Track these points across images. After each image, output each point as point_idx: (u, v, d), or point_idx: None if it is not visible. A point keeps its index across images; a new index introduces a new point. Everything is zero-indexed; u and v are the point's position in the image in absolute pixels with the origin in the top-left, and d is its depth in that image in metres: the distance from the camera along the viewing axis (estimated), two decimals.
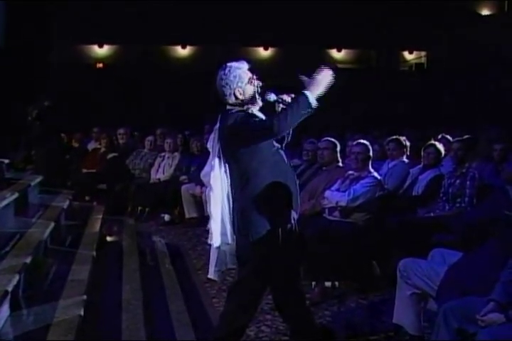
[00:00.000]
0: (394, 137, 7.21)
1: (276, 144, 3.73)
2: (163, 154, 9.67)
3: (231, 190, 3.83)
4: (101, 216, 7.85)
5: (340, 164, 6.50)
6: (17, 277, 4.06)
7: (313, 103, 3.45)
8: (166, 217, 8.86)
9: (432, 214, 5.76)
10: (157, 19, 17.68)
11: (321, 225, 5.61)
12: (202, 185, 8.19)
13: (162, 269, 6.30)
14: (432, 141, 6.80)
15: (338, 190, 5.83)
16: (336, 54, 21.09)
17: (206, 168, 3.94)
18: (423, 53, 21.75)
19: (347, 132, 12.18)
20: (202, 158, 8.63)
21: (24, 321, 3.89)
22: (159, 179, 9.37)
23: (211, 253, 4.05)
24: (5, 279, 3.95)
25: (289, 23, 18.25)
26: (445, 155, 6.55)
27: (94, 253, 5.68)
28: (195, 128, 11.82)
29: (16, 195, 5.96)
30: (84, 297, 4.35)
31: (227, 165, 3.83)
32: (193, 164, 9.08)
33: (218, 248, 3.98)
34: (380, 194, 5.72)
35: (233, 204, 3.84)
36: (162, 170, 9.47)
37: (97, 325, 4.33)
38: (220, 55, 17.98)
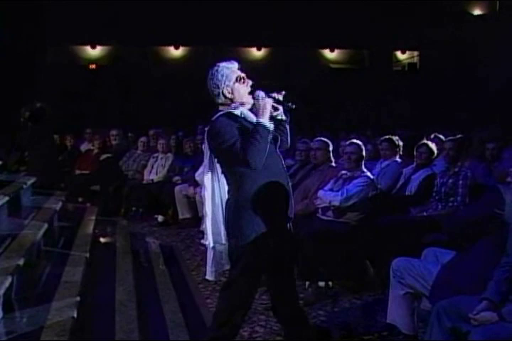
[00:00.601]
0: (387, 137, 7.22)
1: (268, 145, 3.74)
2: (156, 155, 9.66)
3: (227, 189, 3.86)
4: (94, 217, 7.85)
5: (334, 164, 6.51)
6: (10, 279, 4.04)
7: (271, 127, 3.59)
8: (160, 218, 8.86)
9: (424, 214, 5.76)
10: (150, 20, 17.65)
11: (314, 225, 5.62)
12: (195, 185, 8.22)
13: (156, 270, 6.30)
14: (425, 141, 6.81)
15: (331, 189, 5.84)
16: (328, 54, 21.10)
17: (201, 168, 3.97)
18: (416, 53, 21.79)
19: (340, 132, 12.18)
20: (195, 159, 8.66)
21: (17, 323, 3.87)
22: (152, 180, 9.36)
23: (207, 254, 4.04)
24: None
25: (282, 24, 18.26)
26: (438, 154, 6.56)
27: (88, 254, 5.66)
28: (188, 129, 11.83)
29: (9, 196, 5.93)
30: (78, 298, 4.33)
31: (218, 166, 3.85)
32: (186, 165, 9.09)
33: (213, 248, 3.99)
34: (373, 193, 5.74)
35: (226, 204, 3.86)
36: (155, 171, 9.46)
37: (90, 327, 4.32)
38: (213, 56, 18.02)
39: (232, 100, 3.76)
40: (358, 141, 6.05)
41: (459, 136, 6.63)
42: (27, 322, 3.89)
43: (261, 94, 3.72)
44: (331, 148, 6.55)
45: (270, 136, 3.64)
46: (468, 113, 15.55)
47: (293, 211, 3.93)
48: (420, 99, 17.51)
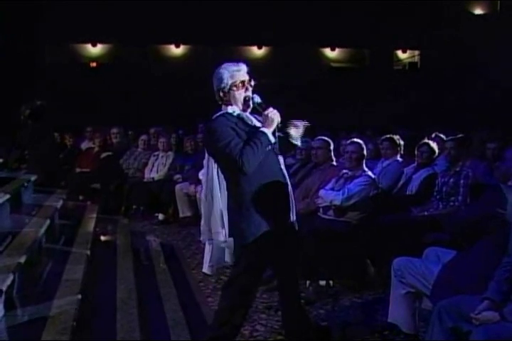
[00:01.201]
0: (388, 136, 7.22)
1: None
2: (156, 153, 9.67)
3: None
4: (95, 215, 7.84)
5: (334, 163, 6.51)
6: (11, 277, 4.05)
7: (272, 140, 3.68)
8: (160, 216, 8.86)
9: (425, 213, 5.77)
10: (151, 18, 17.63)
11: (315, 224, 5.62)
12: (196, 184, 8.22)
13: (156, 268, 6.30)
14: (426, 140, 6.81)
15: (332, 189, 5.84)
16: (329, 53, 21.09)
17: (203, 169, 4.02)
18: (416, 52, 21.77)
19: (340, 131, 12.18)
20: (196, 157, 8.66)
21: (18, 321, 3.87)
22: (153, 178, 9.36)
23: (205, 250, 4.07)
24: (0, 278, 3.94)
25: (283, 22, 18.24)
26: (439, 154, 6.56)
27: (89, 252, 5.67)
28: (189, 128, 11.83)
29: (10, 194, 5.93)
30: (79, 296, 4.34)
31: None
32: (187, 163, 9.09)
33: (211, 245, 4.01)
34: (374, 193, 5.74)
35: (227, 204, 3.89)
36: (156, 170, 9.46)
37: (91, 324, 4.32)
38: (214, 54, 18.04)
39: (227, 101, 3.81)
40: (359, 140, 6.05)
41: (460, 135, 6.63)
42: (28, 320, 3.89)
43: (256, 98, 3.79)
44: (331, 147, 6.55)
45: (269, 148, 3.70)
46: (468, 112, 15.55)
47: (294, 210, 3.95)
48: (421, 98, 17.50)
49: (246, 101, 3.82)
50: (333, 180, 5.97)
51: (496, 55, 16.83)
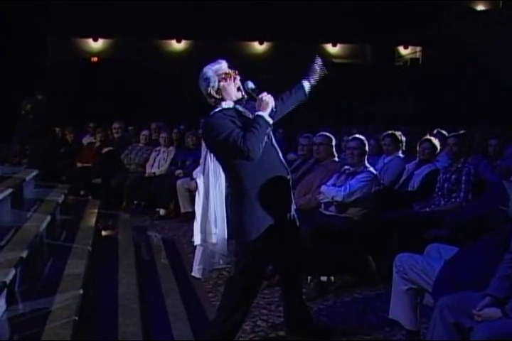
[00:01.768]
0: (389, 132, 7.22)
1: (265, 139, 3.77)
2: (158, 148, 9.67)
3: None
4: (96, 210, 7.83)
5: (336, 159, 6.51)
6: (13, 271, 4.05)
7: (270, 121, 3.72)
8: (161, 212, 8.86)
9: (427, 209, 5.77)
10: (152, 13, 17.61)
11: (316, 220, 5.61)
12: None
13: (157, 263, 6.31)
14: (428, 136, 6.81)
15: (334, 184, 5.83)
16: (331, 49, 21.08)
17: (199, 167, 4.05)
18: (418, 48, 21.76)
19: (342, 127, 12.17)
20: (197, 153, 8.63)
21: (20, 315, 3.88)
22: (154, 173, 9.36)
23: (196, 252, 4.09)
24: (1, 273, 3.94)
25: (284, 18, 18.22)
26: (440, 150, 6.56)
27: (90, 247, 5.67)
28: (190, 123, 11.82)
29: (12, 189, 5.93)
30: (81, 291, 4.34)
31: (215, 163, 3.88)
32: (188, 158, 9.09)
33: (202, 246, 4.03)
34: (376, 189, 5.73)
35: (226, 201, 3.90)
36: (157, 165, 9.46)
37: (93, 319, 4.32)
38: (215, 49, 18.01)
39: (221, 99, 3.82)
40: (360, 136, 6.04)
41: (461, 131, 6.63)
42: (30, 315, 3.89)
43: (250, 84, 3.82)
44: (333, 143, 6.54)
45: (269, 130, 3.73)
46: (470, 108, 15.53)
47: (292, 205, 3.97)
48: (422, 94, 17.48)
49: (239, 89, 3.85)
50: (335, 176, 5.96)
51: (497, 52, 16.81)
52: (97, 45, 19.65)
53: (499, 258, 3.44)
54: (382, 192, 5.90)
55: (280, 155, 3.94)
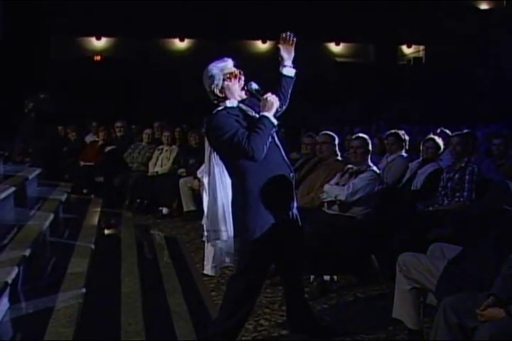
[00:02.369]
0: (393, 131, 7.22)
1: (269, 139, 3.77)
2: (161, 147, 9.66)
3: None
4: (99, 209, 7.84)
5: (339, 158, 6.50)
6: (16, 269, 4.05)
7: (275, 122, 3.72)
8: (164, 211, 8.85)
9: (430, 209, 5.75)
10: (155, 12, 17.60)
11: (319, 219, 5.61)
12: (200, 178, 8.21)
13: (160, 262, 6.31)
14: (431, 135, 6.80)
15: (337, 184, 5.82)
16: (334, 48, 21.05)
17: (203, 165, 4.04)
18: (421, 47, 21.72)
19: (345, 126, 12.16)
20: (200, 151, 8.63)
21: (23, 313, 3.88)
22: (157, 172, 9.36)
23: (206, 250, 4.08)
24: (4, 272, 3.94)
25: (287, 17, 18.19)
26: (444, 149, 6.55)
27: (93, 246, 5.67)
28: (193, 121, 11.82)
29: (15, 187, 5.94)
30: (83, 290, 4.34)
31: (219, 162, 3.89)
32: (191, 157, 9.07)
33: (213, 244, 4.02)
34: (379, 188, 5.71)
35: (231, 200, 3.89)
36: (160, 163, 9.46)
37: (96, 318, 4.32)
38: (218, 48, 18.01)
39: (224, 98, 3.80)
40: (364, 135, 6.02)
41: (465, 131, 6.62)
42: (33, 313, 3.90)
43: (254, 85, 3.82)
44: (336, 142, 6.54)
45: (273, 131, 3.73)
46: (473, 108, 15.52)
47: (294, 203, 3.98)
48: (425, 93, 17.47)
49: (243, 88, 3.84)
50: (338, 175, 5.95)
51: (501, 50, 16.79)
52: (100, 43, 19.63)
53: (503, 258, 3.43)
54: (385, 191, 5.88)
55: (283, 153, 3.94)
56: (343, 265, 5.47)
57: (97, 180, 9.82)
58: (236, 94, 3.85)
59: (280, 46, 3.96)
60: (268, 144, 3.68)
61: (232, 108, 3.80)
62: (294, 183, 3.97)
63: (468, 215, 5.03)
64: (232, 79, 3.82)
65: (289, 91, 4.03)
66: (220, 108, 3.82)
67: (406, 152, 7.07)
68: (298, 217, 4.03)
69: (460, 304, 3.32)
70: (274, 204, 3.78)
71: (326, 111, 15.47)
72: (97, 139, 10.88)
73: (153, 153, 9.68)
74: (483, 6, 20.84)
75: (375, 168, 5.82)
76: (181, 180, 8.69)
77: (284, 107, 4.01)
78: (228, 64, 3.87)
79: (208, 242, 4.04)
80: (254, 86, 3.86)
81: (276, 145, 3.88)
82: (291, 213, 3.94)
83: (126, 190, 9.37)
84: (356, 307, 4.91)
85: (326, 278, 5.36)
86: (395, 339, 4.21)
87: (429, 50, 21.10)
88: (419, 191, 6.18)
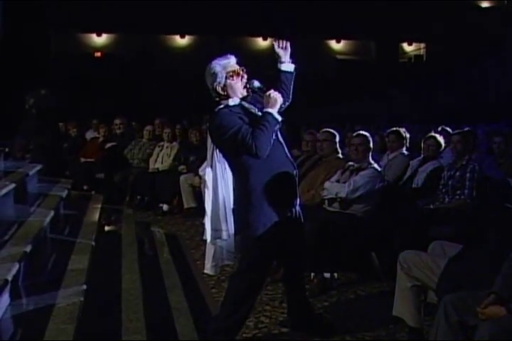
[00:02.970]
0: (394, 129, 7.23)
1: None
2: (161, 144, 9.67)
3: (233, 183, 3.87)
4: (99, 205, 7.83)
5: (340, 155, 6.50)
6: (17, 266, 4.05)
7: (279, 118, 3.70)
8: (165, 207, 8.86)
9: (431, 206, 5.75)
10: (156, 8, 17.59)
11: (320, 216, 5.61)
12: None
13: (161, 259, 6.31)
14: (433, 133, 6.80)
15: (338, 181, 5.82)
16: (335, 45, 21.05)
17: (204, 163, 4.03)
18: (422, 45, 21.72)
19: (346, 123, 12.16)
20: (200, 148, 8.65)
21: (24, 310, 3.88)
22: (158, 169, 9.36)
23: (207, 249, 4.08)
24: (5, 268, 3.94)
25: (288, 14, 18.19)
26: (445, 147, 6.55)
27: (94, 242, 5.66)
28: (194, 118, 11.82)
29: (15, 184, 5.92)
30: (84, 286, 4.34)
31: (222, 160, 3.87)
32: (192, 154, 9.08)
33: (214, 243, 4.02)
34: (380, 185, 5.71)
35: (234, 197, 3.89)
36: (161, 160, 9.46)
37: (96, 314, 4.32)
38: (219, 45, 18.00)
39: (226, 96, 3.79)
40: (365, 133, 6.03)
41: (467, 129, 6.62)
42: (34, 310, 3.89)
43: (256, 83, 3.82)
44: (337, 139, 6.54)
45: (277, 127, 3.71)
46: (473, 106, 15.51)
47: (297, 201, 3.98)
48: (426, 91, 17.47)
49: (245, 87, 3.82)
50: (339, 172, 5.95)
51: (502, 48, 16.77)
52: (100, 40, 19.64)
53: (503, 256, 3.43)
54: (386, 188, 5.88)
55: (286, 150, 3.93)
56: (344, 262, 5.48)
57: (97, 176, 9.83)
58: (238, 92, 3.83)
59: (274, 44, 3.93)
60: (272, 141, 3.67)
61: (234, 106, 3.79)
62: (297, 180, 3.98)
63: (469, 213, 5.04)
64: (235, 78, 3.80)
65: (291, 87, 4.01)
66: (221, 106, 3.81)
67: (407, 150, 7.07)
68: (301, 214, 4.03)
69: (461, 302, 3.32)
70: (278, 202, 3.78)
71: (327, 108, 15.47)
72: (97, 136, 10.88)
73: (154, 149, 9.68)
74: (484, 4, 20.84)
75: (376, 166, 5.82)
76: (182, 177, 8.69)
77: (287, 103, 3.99)
78: (231, 61, 3.84)
79: (208, 241, 4.03)
80: (257, 84, 3.85)
81: (280, 142, 3.87)
82: (294, 210, 3.94)
83: (126, 187, 9.38)
84: (356, 305, 4.92)
85: (327, 275, 5.36)
86: (396, 337, 4.22)
87: (430, 47, 21.10)
88: (420, 189, 6.18)
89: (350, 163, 5.90)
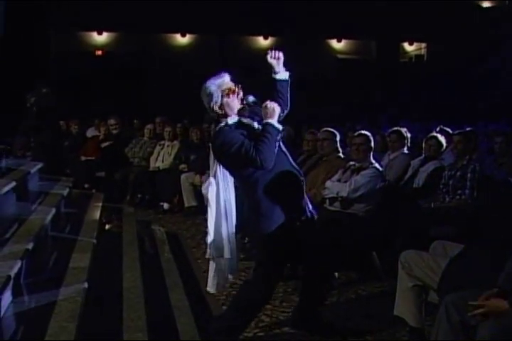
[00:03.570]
0: (395, 128, 7.24)
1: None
2: (162, 142, 9.67)
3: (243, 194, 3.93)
4: (100, 203, 7.84)
5: (341, 154, 6.51)
6: (19, 263, 4.06)
7: (280, 127, 3.72)
8: (165, 206, 8.87)
9: (432, 206, 5.76)
10: (157, 7, 17.58)
11: (321, 216, 5.59)
12: (201, 173, 8.24)
13: (161, 257, 6.32)
14: (434, 133, 6.81)
15: (339, 180, 5.83)
16: (336, 44, 21.03)
17: (207, 182, 4.06)
18: (423, 45, 21.71)
19: (347, 123, 12.17)
20: (201, 147, 8.67)
21: (26, 308, 3.89)
22: (158, 167, 9.37)
23: (209, 267, 4.11)
24: (7, 265, 3.95)
25: (289, 13, 18.18)
26: (446, 147, 6.56)
27: (95, 240, 5.67)
28: (195, 117, 11.82)
29: (17, 182, 5.93)
30: (85, 285, 4.35)
31: (225, 179, 3.92)
32: (193, 153, 9.08)
33: (216, 261, 4.05)
34: (381, 185, 5.72)
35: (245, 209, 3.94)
36: (161, 159, 9.47)
37: (98, 313, 4.33)
38: (220, 44, 18.00)
39: (225, 114, 3.82)
40: (366, 132, 6.03)
41: (468, 128, 6.63)
42: (36, 307, 3.90)
43: (250, 98, 3.85)
44: (337, 139, 6.55)
45: (279, 136, 3.74)
46: (474, 106, 15.52)
47: (308, 204, 4.00)
48: (426, 91, 17.47)
49: (242, 102, 3.84)
50: (340, 172, 5.96)
51: (503, 48, 16.78)
52: (101, 38, 19.62)
53: (505, 256, 3.43)
54: (387, 188, 5.89)
55: (290, 159, 3.96)
56: (345, 262, 5.48)
57: (98, 175, 9.83)
58: (236, 109, 3.85)
59: (267, 55, 3.94)
60: (276, 151, 3.69)
61: (233, 123, 3.82)
62: (304, 188, 3.99)
63: (470, 213, 5.05)
64: (231, 95, 3.81)
65: (288, 95, 4.01)
66: (222, 124, 3.83)
67: (408, 149, 7.08)
68: (314, 217, 4.06)
69: (462, 302, 3.31)
70: (288, 211, 3.82)
71: (327, 107, 15.47)
72: (98, 134, 10.88)
73: (155, 148, 9.69)
74: (485, 4, 20.84)
75: (377, 165, 5.83)
76: (182, 176, 8.70)
77: (285, 112, 4.01)
78: (225, 79, 3.85)
79: (211, 259, 4.07)
80: (251, 99, 3.88)
81: (283, 152, 3.89)
82: (304, 216, 3.96)
83: (127, 185, 9.39)
84: (357, 305, 4.92)
85: None
86: (396, 336, 4.22)
87: (431, 47, 21.10)
88: (421, 188, 6.19)
89: (352, 163, 5.90)
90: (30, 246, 4.46)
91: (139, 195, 9.32)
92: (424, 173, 6.26)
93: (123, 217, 8.25)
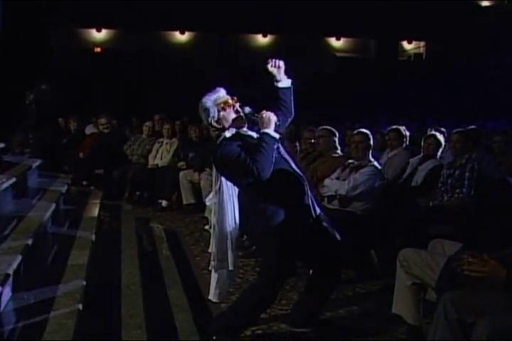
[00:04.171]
0: (394, 127, 7.25)
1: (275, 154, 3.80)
2: (161, 140, 9.67)
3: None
4: (99, 201, 7.84)
5: (339, 152, 6.51)
6: (18, 259, 4.07)
7: (276, 136, 3.73)
8: (164, 203, 8.86)
9: (430, 204, 5.77)
10: (156, 4, 17.57)
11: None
12: (200, 171, 8.25)
13: (160, 255, 6.32)
14: (433, 132, 6.82)
15: (337, 178, 5.84)
16: (334, 42, 21.04)
17: (210, 195, 4.08)
18: (422, 43, 21.73)
19: (346, 121, 12.18)
20: (200, 145, 8.68)
21: (25, 305, 3.90)
22: (157, 165, 9.37)
23: (212, 277, 4.14)
24: (6, 262, 3.95)
25: (288, 10, 18.18)
26: (445, 146, 6.57)
27: (94, 238, 5.68)
28: (194, 115, 11.82)
29: (16, 178, 5.94)
30: (84, 282, 4.36)
31: (229, 191, 3.95)
32: (191, 150, 9.08)
33: (220, 273, 4.07)
34: (380, 183, 5.72)
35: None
36: (160, 156, 9.47)
37: (96, 310, 4.34)
38: (219, 41, 18.00)
39: (223, 129, 3.85)
40: (365, 130, 6.04)
41: (470, 127, 6.64)
42: (34, 304, 3.91)
43: (247, 109, 3.87)
44: (335, 136, 6.56)
45: (276, 145, 3.76)
46: (473, 104, 15.53)
47: (316, 205, 4.02)
48: (425, 89, 17.47)
49: (237, 113, 3.85)
50: (339, 170, 5.96)
51: (502, 47, 16.79)
52: (100, 35, 19.62)
53: (503, 255, 3.44)
54: (385, 186, 5.89)
55: (293, 165, 3.96)
56: (343, 260, 5.47)
57: (96, 172, 9.82)
58: (234, 122, 3.88)
59: (268, 65, 3.95)
60: (274, 160, 3.69)
61: (232, 136, 3.84)
62: (308, 192, 3.99)
63: (468, 211, 5.06)
64: (227, 109, 3.84)
65: (291, 103, 4.04)
66: (221, 138, 3.86)
67: (406, 148, 7.09)
68: (324, 219, 4.06)
69: (460, 300, 3.32)
70: (292, 217, 3.83)
71: (326, 106, 15.47)
72: (96, 131, 10.86)
73: (153, 145, 9.68)
74: (484, 4, 20.85)
75: (375, 163, 5.83)
76: (181, 173, 8.70)
77: (289, 119, 4.06)
78: (220, 94, 3.88)
79: (213, 271, 4.10)
80: (247, 110, 3.90)
81: (283, 157, 3.90)
82: (312, 219, 3.96)
83: (125, 183, 9.38)
84: (355, 302, 4.92)
85: None
86: (394, 334, 4.23)
87: (430, 46, 21.11)
88: (420, 187, 6.20)
89: (350, 161, 5.91)
90: (29, 242, 4.47)
91: (138, 193, 9.32)
92: (422, 172, 6.27)
93: (121, 214, 8.26)
